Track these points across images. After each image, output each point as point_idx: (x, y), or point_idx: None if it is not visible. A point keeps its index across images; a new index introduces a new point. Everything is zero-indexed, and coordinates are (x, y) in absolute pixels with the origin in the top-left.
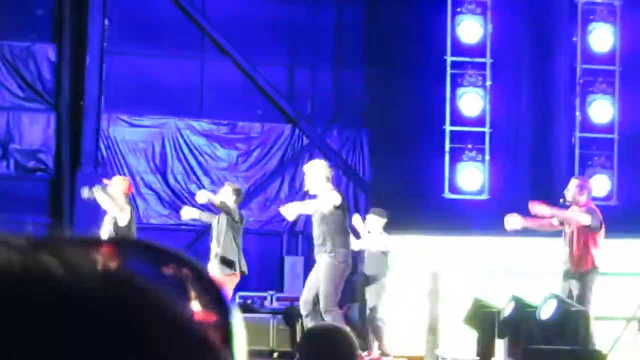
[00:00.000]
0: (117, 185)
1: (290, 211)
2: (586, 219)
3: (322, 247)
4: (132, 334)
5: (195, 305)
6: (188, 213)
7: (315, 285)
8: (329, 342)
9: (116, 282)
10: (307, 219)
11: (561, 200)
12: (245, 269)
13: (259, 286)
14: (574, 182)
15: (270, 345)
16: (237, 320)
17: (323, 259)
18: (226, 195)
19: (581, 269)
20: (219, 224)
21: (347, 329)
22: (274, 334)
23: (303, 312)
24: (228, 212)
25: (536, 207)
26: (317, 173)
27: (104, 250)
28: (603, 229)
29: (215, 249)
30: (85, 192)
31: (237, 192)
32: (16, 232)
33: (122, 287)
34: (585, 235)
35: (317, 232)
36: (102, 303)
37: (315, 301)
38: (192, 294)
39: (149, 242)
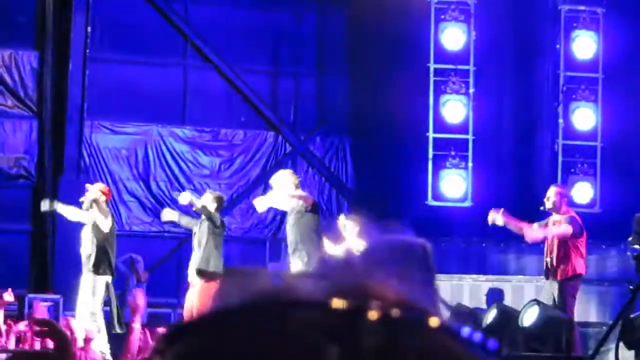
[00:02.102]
0: (97, 190)
1: (262, 203)
2: (568, 229)
3: (295, 253)
4: None
5: None
6: (168, 215)
7: None
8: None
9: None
10: None
11: (541, 208)
12: None
13: None
14: (554, 190)
15: None
16: None
17: (297, 267)
18: (207, 203)
19: (562, 277)
20: (199, 230)
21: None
22: None
23: None
24: (209, 217)
25: (528, 231)
26: (283, 182)
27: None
28: (585, 236)
29: (196, 255)
30: (45, 205)
31: (218, 199)
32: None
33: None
34: (565, 243)
35: (290, 238)
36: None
37: None
38: None
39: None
